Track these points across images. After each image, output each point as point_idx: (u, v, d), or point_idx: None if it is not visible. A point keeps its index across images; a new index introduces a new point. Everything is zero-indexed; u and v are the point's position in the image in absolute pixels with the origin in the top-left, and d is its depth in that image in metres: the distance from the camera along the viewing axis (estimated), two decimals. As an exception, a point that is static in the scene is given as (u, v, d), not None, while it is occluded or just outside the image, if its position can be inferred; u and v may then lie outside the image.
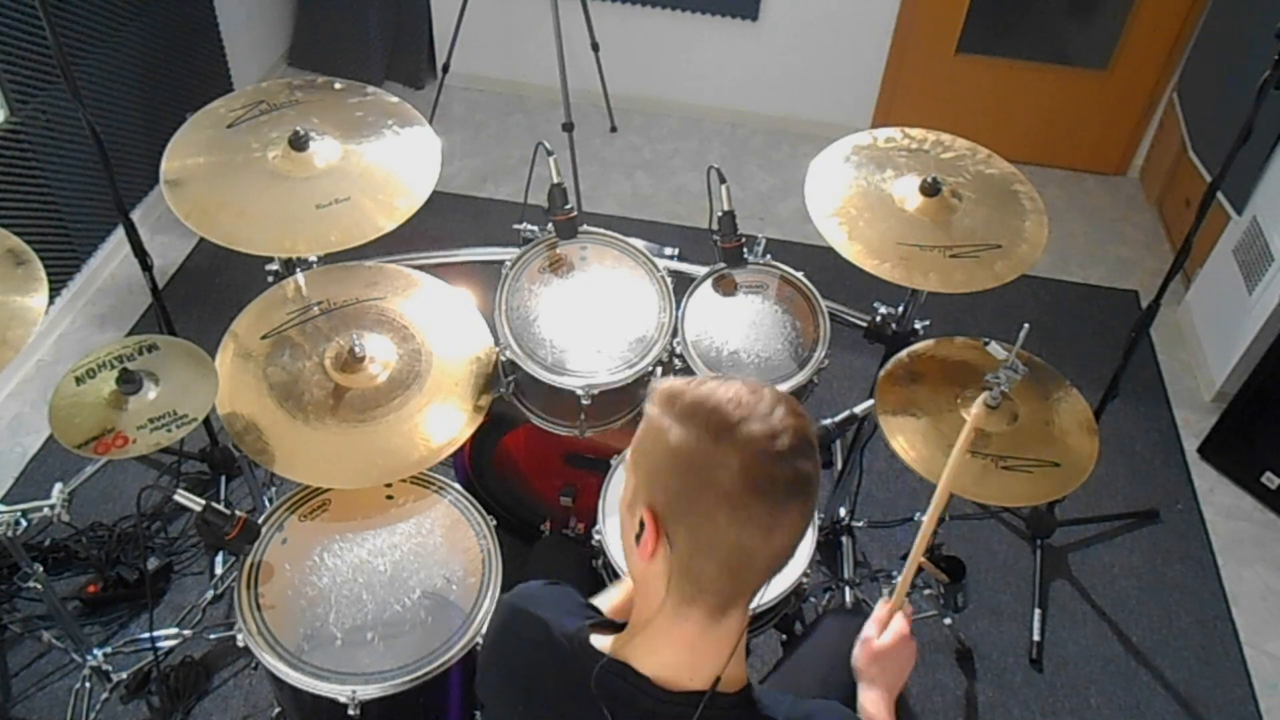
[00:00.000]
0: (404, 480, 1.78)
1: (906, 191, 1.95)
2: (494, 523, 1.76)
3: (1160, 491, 2.81)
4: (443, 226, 3.39)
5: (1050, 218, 1.95)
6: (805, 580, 1.77)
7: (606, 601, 1.29)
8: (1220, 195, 2.41)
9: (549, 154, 1.96)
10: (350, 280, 1.94)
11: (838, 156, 2.03)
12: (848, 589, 2.38)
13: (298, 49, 4.07)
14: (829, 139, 2.07)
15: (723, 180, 1.96)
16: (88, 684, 2.14)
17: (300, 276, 1.93)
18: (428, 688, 1.57)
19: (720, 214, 1.96)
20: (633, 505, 1.00)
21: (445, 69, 3.58)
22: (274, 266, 2.01)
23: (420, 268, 1.98)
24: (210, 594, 2.31)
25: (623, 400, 1.97)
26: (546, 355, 1.86)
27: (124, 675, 2.14)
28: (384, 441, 1.71)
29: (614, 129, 3.96)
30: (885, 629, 1.35)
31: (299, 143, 1.85)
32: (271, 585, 1.65)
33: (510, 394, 1.94)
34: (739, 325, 1.95)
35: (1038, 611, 2.46)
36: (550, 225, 1.98)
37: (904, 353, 1.93)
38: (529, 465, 2.22)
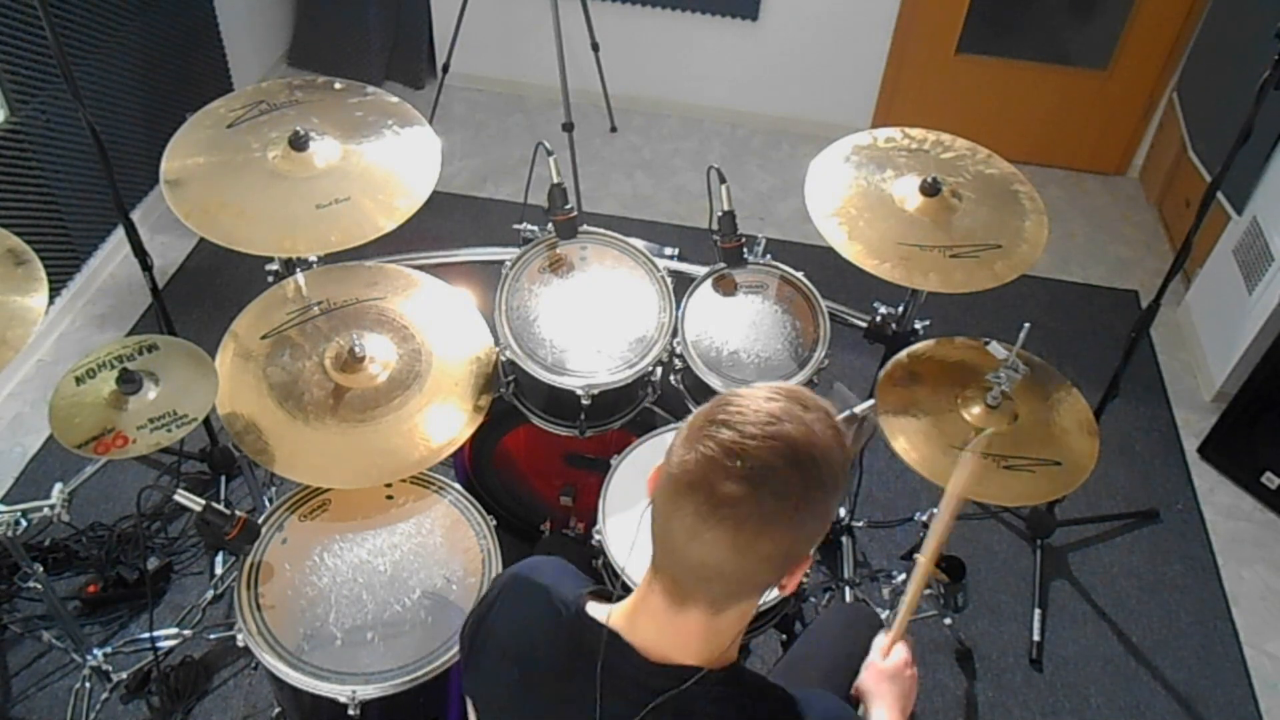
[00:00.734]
0: (404, 480, 1.78)
1: (906, 191, 1.95)
2: (494, 523, 1.76)
3: (1160, 491, 2.81)
4: (443, 226, 3.38)
5: (1050, 218, 1.95)
6: (805, 580, 1.77)
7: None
8: (1220, 195, 2.41)
9: (549, 154, 1.96)
10: (350, 280, 1.94)
11: (838, 156, 2.03)
12: (848, 589, 2.38)
13: (298, 49, 4.07)
14: (829, 139, 2.07)
15: (723, 180, 1.96)
16: (88, 684, 2.14)
17: (300, 276, 1.93)
18: (428, 688, 1.57)
19: (720, 214, 1.96)
20: None
21: (445, 69, 3.58)
22: (274, 266, 2.01)
23: (420, 268, 1.98)
24: (210, 594, 2.31)
25: (623, 400, 1.97)
26: (546, 355, 1.86)
27: (124, 675, 2.14)
28: (384, 441, 1.71)
29: (614, 129, 3.96)
30: (888, 656, 1.38)
31: (299, 143, 1.85)
32: (271, 585, 1.65)
33: (510, 394, 1.94)
34: (739, 325, 1.95)
35: (1038, 611, 2.45)
36: (550, 225, 1.98)
37: (904, 353, 1.93)
38: (529, 465, 2.22)
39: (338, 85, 2.04)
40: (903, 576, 2.22)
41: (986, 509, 2.69)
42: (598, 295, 1.96)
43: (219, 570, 2.36)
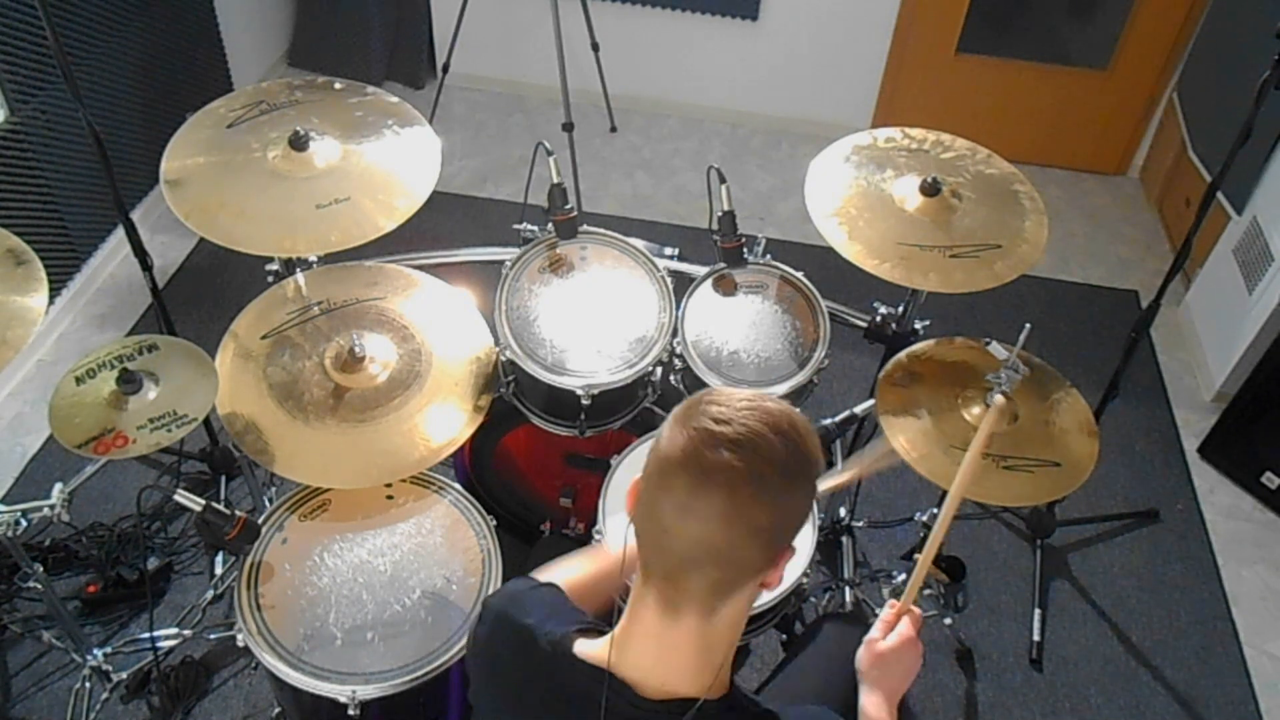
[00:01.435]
0: (404, 480, 1.78)
1: (906, 191, 1.95)
2: (494, 523, 1.76)
3: (1160, 491, 2.81)
4: (443, 226, 3.38)
5: (1050, 218, 1.95)
6: (805, 580, 1.77)
7: (563, 575, 1.28)
8: (1220, 195, 2.41)
9: (549, 154, 1.96)
10: (350, 280, 1.94)
11: (838, 156, 2.03)
12: (848, 589, 2.38)
13: (298, 49, 4.07)
14: (829, 139, 2.07)
15: (723, 180, 1.96)
16: (88, 684, 2.14)
17: (300, 276, 1.93)
18: (428, 688, 1.57)
19: (720, 214, 1.96)
20: None
21: (445, 69, 3.58)
22: (274, 266, 2.01)
23: (420, 268, 1.98)
24: (210, 594, 2.30)
25: (623, 400, 1.97)
26: (546, 355, 1.86)
27: (124, 675, 2.14)
28: (384, 441, 1.71)
29: (614, 129, 3.96)
30: (891, 630, 1.33)
31: (299, 143, 1.85)
32: (271, 585, 1.65)
33: (510, 394, 1.94)
34: (739, 325, 1.95)
35: (1038, 611, 2.45)
36: (550, 225, 1.98)
37: (904, 353, 1.93)
38: (529, 465, 2.22)
39: (338, 85, 2.04)
40: (903, 576, 2.23)
41: (986, 509, 2.69)
42: (598, 295, 1.96)
43: (219, 570, 2.36)
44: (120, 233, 2.84)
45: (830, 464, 2.51)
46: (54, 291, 2.93)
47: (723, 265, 2.00)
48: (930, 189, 1.92)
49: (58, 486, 1.78)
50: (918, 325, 2.15)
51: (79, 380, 1.65)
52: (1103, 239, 3.67)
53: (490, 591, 1.65)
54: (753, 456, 0.94)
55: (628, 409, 1.99)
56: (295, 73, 4.06)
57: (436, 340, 1.86)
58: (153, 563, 2.35)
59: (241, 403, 1.73)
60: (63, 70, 1.90)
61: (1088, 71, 3.72)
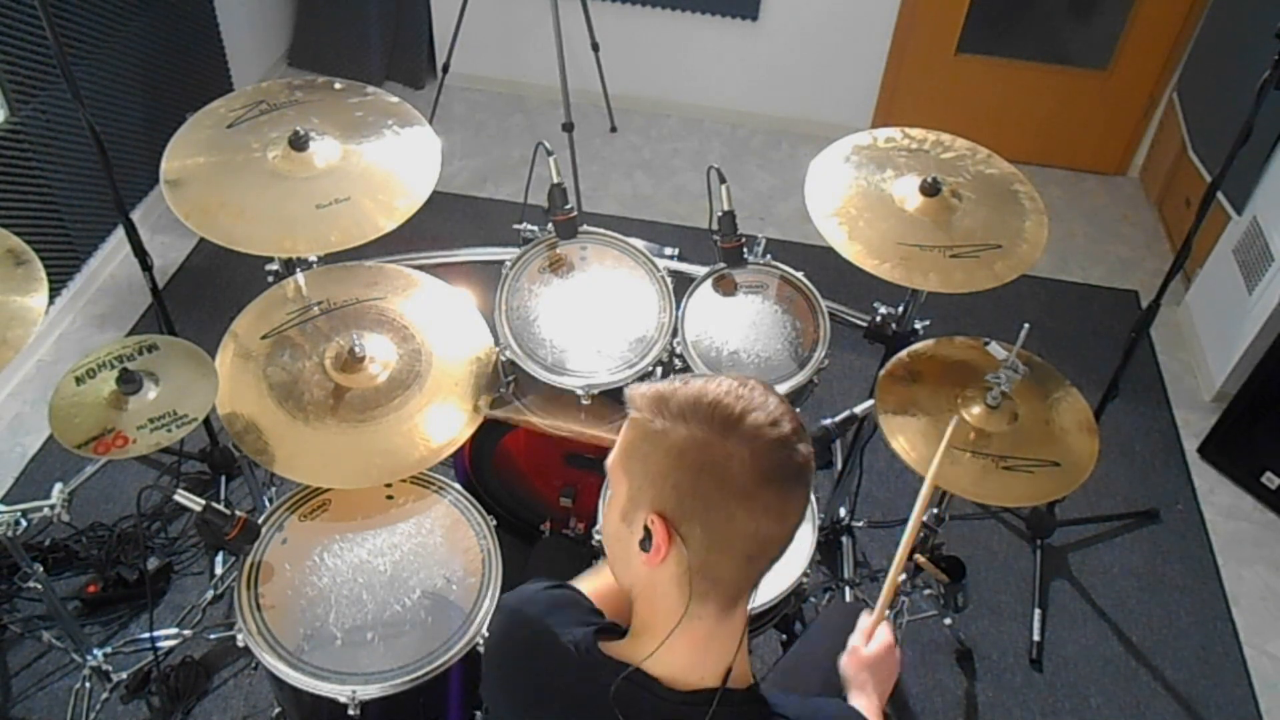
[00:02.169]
0: (404, 480, 1.78)
1: (906, 191, 1.95)
2: (494, 523, 1.76)
3: (1160, 491, 2.81)
4: (443, 226, 3.39)
5: (1050, 218, 1.95)
6: (805, 580, 1.77)
7: (588, 586, 1.27)
8: (1220, 195, 2.41)
9: (549, 154, 1.96)
10: (350, 280, 1.94)
11: (838, 156, 2.03)
12: (848, 589, 2.38)
13: (298, 49, 4.07)
14: (829, 139, 2.07)
15: (723, 180, 1.96)
16: (88, 684, 2.14)
17: (300, 276, 1.93)
18: (428, 688, 1.57)
19: (720, 214, 1.96)
20: (629, 514, 1.00)
21: (445, 69, 3.58)
22: (274, 266, 2.01)
23: (420, 268, 1.98)
24: (210, 594, 2.31)
25: (623, 400, 1.96)
26: (546, 355, 1.86)
27: (124, 675, 2.14)
28: (384, 441, 1.71)
29: (614, 129, 3.96)
30: (871, 639, 1.37)
31: (299, 143, 1.84)
32: (271, 585, 1.65)
33: (510, 394, 1.94)
34: (739, 325, 1.95)
35: (1038, 611, 2.45)
36: (550, 225, 1.98)
37: (904, 353, 1.93)
38: (529, 465, 2.21)
39: (338, 85, 2.04)
40: (903, 576, 2.23)
41: (986, 509, 2.69)
42: (598, 295, 1.96)
43: (219, 570, 2.36)
44: (120, 233, 2.84)
45: (829, 464, 2.51)
46: (54, 291, 2.93)
47: (723, 265, 2.00)
48: (930, 189, 1.92)
49: (58, 486, 1.78)
50: (918, 325, 2.15)
51: (79, 380, 1.65)
52: (1103, 239, 3.67)
53: (490, 591, 1.65)
54: (807, 434, 0.99)
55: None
56: (295, 73, 4.06)
57: (436, 340, 1.86)
58: (153, 563, 2.35)
59: (241, 403, 1.73)
60: (63, 70, 1.90)
61: (1088, 71, 3.72)
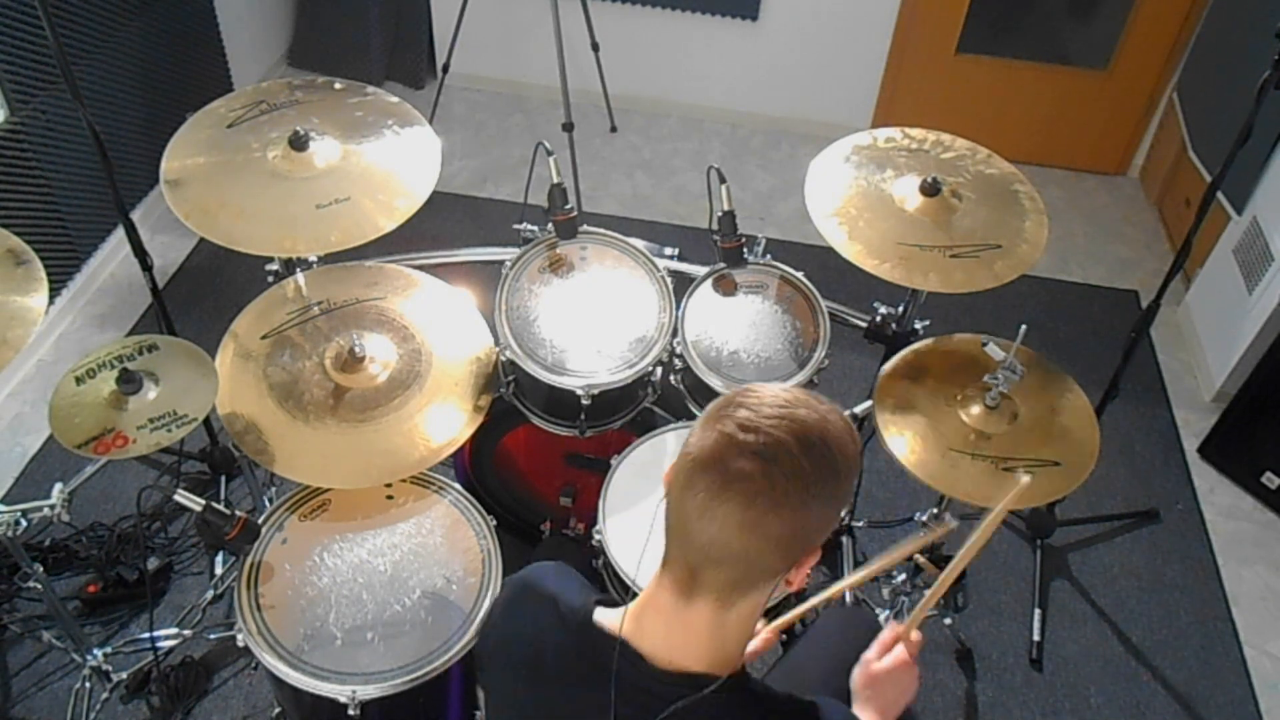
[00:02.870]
0: (404, 480, 1.78)
1: (906, 191, 1.95)
2: (494, 523, 1.76)
3: (1160, 491, 2.81)
4: (443, 226, 3.39)
5: (1050, 218, 1.95)
6: (805, 580, 1.76)
7: None
8: (1220, 195, 2.41)
9: (549, 154, 1.96)
10: (350, 280, 1.94)
11: (838, 156, 2.03)
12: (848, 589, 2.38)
13: (298, 49, 4.07)
14: (829, 139, 2.07)
15: (723, 180, 1.96)
16: (88, 684, 2.14)
17: (300, 276, 1.93)
18: (428, 688, 1.57)
19: (720, 214, 1.96)
20: None
21: (445, 69, 3.58)
22: (274, 266, 2.01)
23: (420, 268, 1.98)
24: (210, 594, 2.31)
25: (623, 400, 1.97)
26: (546, 355, 1.86)
27: (124, 675, 2.14)
28: (384, 441, 1.71)
29: (614, 129, 3.96)
30: (888, 653, 1.32)
31: (299, 143, 1.85)
32: (271, 585, 1.65)
33: (510, 394, 1.94)
34: (739, 325, 1.95)
35: (1038, 611, 2.46)
36: (550, 225, 1.98)
37: (904, 352, 1.93)
38: (529, 465, 2.22)
39: (338, 85, 2.04)
40: (903, 576, 2.23)
41: (987, 509, 2.68)
42: (598, 295, 1.96)
43: (219, 570, 2.36)
44: (120, 233, 2.84)
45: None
46: (54, 291, 2.93)
47: (723, 265, 2.00)
48: (930, 189, 1.92)
49: (58, 486, 1.78)
50: (918, 325, 2.15)
51: (79, 380, 1.65)
52: (1103, 239, 3.67)
53: (490, 591, 1.65)
54: (772, 469, 0.93)
55: (628, 409, 1.99)
56: (295, 73, 4.06)
57: (436, 340, 1.86)
58: (153, 563, 2.35)
59: (241, 403, 1.73)
60: (63, 70, 1.90)
61: (1088, 71, 3.72)
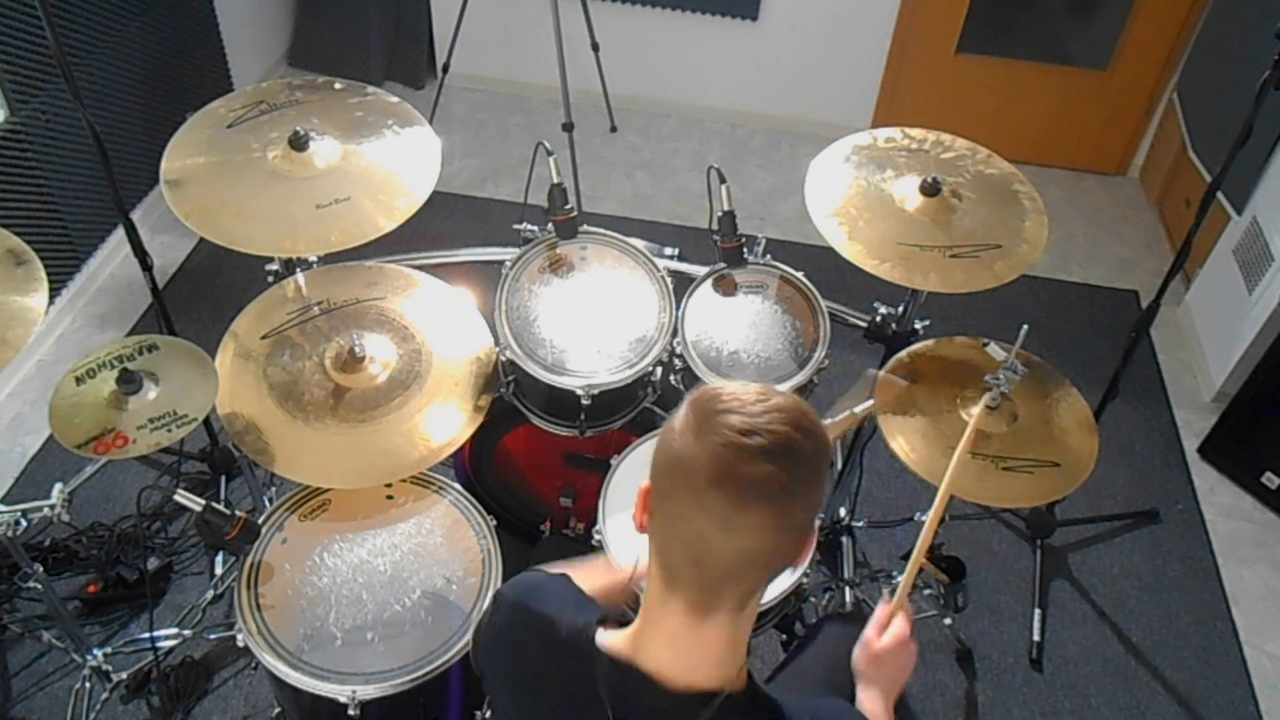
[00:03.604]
0: (404, 480, 1.78)
1: (906, 191, 1.95)
2: (494, 523, 1.76)
3: (1160, 491, 2.81)
4: (443, 226, 3.39)
5: (1050, 218, 1.95)
6: (805, 580, 1.77)
7: (587, 581, 1.27)
8: (1220, 195, 2.41)
9: (549, 154, 1.96)
10: (350, 280, 1.94)
11: (838, 156, 2.03)
12: (848, 589, 2.38)
13: (298, 49, 4.07)
14: (829, 139, 2.07)
15: (723, 180, 1.96)
16: (88, 684, 2.14)
17: (300, 276, 1.93)
18: (428, 688, 1.57)
19: (720, 214, 1.96)
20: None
21: (445, 69, 3.58)
22: (274, 266, 2.01)
23: (420, 268, 1.98)
24: (210, 594, 2.30)
25: (623, 400, 1.97)
26: (546, 355, 1.86)
27: (124, 675, 2.14)
28: (384, 441, 1.71)
29: (614, 129, 3.96)
30: (886, 630, 1.35)
31: (299, 143, 1.85)
32: (271, 585, 1.65)
33: (510, 394, 1.94)
34: (739, 325, 1.95)
35: (1038, 611, 2.46)
36: (550, 225, 1.98)
37: (904, 353, 1.93)
38: (529, 465, 2.22)
39: (338, 85, 2.04)
40: (902, 577, 2.23)
41: (987, 509, 2.69)
42: (598, 295, 1.96)
43: (219, 570, 2.36)
44: (120, 233, 2.84)
45: (829, 464, 2.50)
46: (54, 291, 2.93)
47: (723, 265, 2.00)
48: (930, 189, 1.92)
49: (58, 486, 1.78)
50: (918, 325, 2.15)
51: (79, 380, 1.65)
52: (1103, 239, 3.67)
53: (490, 592, 1.65)
54: (789, 462, 0.93)
55: (628, 409, 1.99)
56: (295, 73, 4.06)
57: (436, 340, 1.86)
58: (153, 563, 2.35)
59: (241, 403, 1.73)
60: (63, 70, 1.90)
61: (1088, 71, 3.72)
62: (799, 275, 2.02)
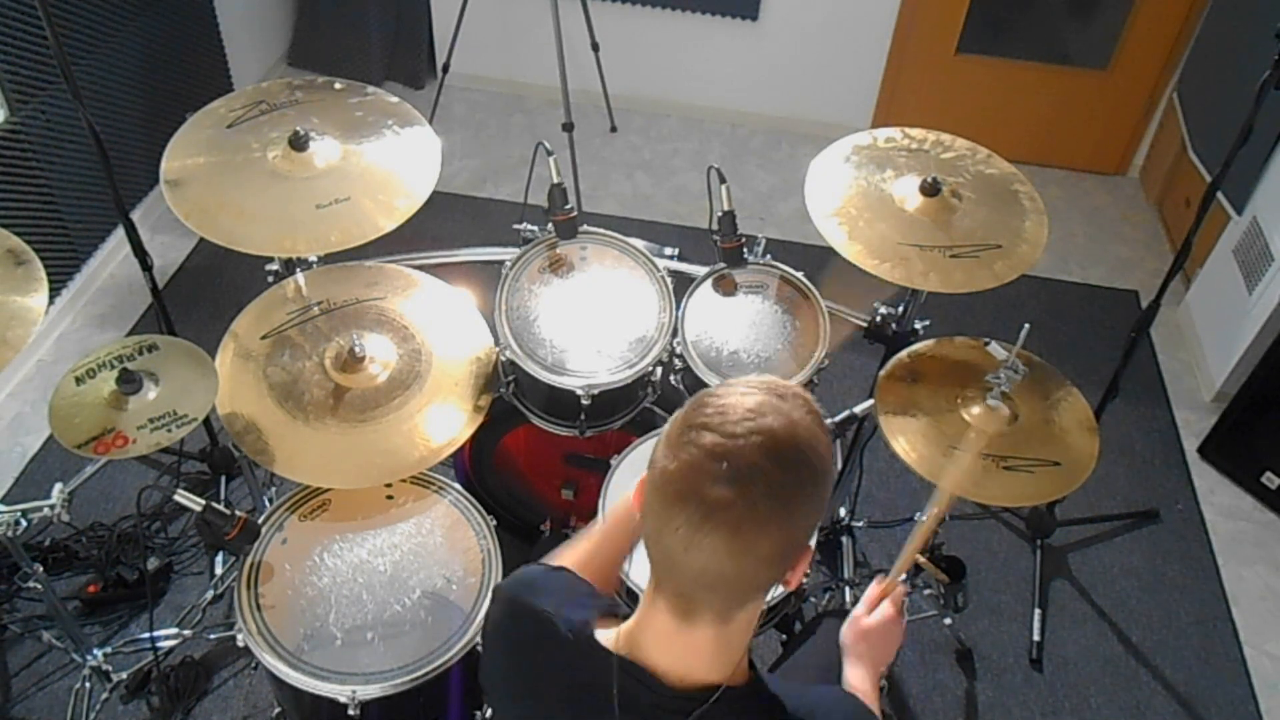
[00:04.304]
0: (404, 480, 1.78)
1: (906, 191, 1.95)
2: (494, 523, 1.76)
3: (1160, 491, 2.81)
4: (443, 226, 3.39)
5: (1050, 218, 1.95)
6: (805, 580, 1.76)
7: (574, 557, 1.27)
8: (1220, 195, 2.41)
9: (549, 154, 1.96)
10: (350, 280, 1.94)
11: (838, 156, 2.03)
12: (848, 589, 2.38)
13: (298, 49, 4.07)
14: (829, 139, 2.07)
15: (723, 180, 1.96)
16: (88, 684, 2.14)
17: (300, 276, 1.93)
18: (428, 688, 1.57)
19: (720, 214, 1.96)
20: None
21: (445, 69, 3.58)
22: (274, 266, 2.01)
23: (420, 268, 1.98)
24: (210, 594, 2.30)
25: (623, 400, 1.97)
26: (546, 355, 1.86)
27: (124, 675, 2.14)
28: (384, 441, 1.71)
29: (614, 129, 3.96)
30: (875, 608, 1.38)
31: (299, 143, 1.85)
32: (271, 585, 1.65)
33: (510, 394, 1.94)
34: (739, 325, 1.95)
35: (1038, 611, 2.46)
36: (550, 225, 1.98)
37: (904, 353, 1.93)
38: (529, 465, 2.22)
39: (338, 85, 2.04)
40: (903, 576, 2.22)
41: (987, 509, 2.69)
42: (598, 295, 1.96)
43: (219, 570, 2.36)
44: (120, 233, 2.84)
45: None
46: (54, 291, 2.93)
47: (723, 265, 2.00)
48: (930, 189, 1.92)
49: (58, 486, 1.78)
50: (918, 325, 2.15)
51: (79, 380, 1.65)
52: (1103, 239, 3.67)
53: (490, 593, 1.65)
54: (750, 492, 0.88)
55: (628, 409, 1.99)
56: (295, 73, 4.05)
57: (436, 340, 1.86)
58: (153, 563, 2.35)
59: (241, 403, 1.73)
60: (63, 70, 1.90)
61: (1088, 71, 3.72)
62: (799, 275, 2.02)
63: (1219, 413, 2.85)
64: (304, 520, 1.74)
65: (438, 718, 1.74)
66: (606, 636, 1.06)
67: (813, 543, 1.02)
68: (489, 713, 1.75)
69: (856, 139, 2.06)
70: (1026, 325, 1.74)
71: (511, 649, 1.13)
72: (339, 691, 1.53)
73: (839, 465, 2.47)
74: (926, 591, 2.17)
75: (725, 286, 2.01)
